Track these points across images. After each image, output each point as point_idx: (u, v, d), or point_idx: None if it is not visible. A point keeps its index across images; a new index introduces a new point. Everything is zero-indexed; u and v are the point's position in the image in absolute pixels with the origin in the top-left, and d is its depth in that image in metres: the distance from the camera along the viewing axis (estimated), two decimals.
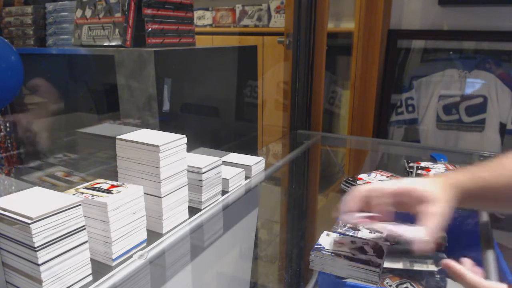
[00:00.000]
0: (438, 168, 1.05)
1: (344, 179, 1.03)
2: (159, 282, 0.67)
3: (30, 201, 0.51)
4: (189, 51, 1.10)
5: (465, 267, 0.53)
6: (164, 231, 0.67)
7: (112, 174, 0.69)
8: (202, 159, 0.76)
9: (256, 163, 0.93)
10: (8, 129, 1.09)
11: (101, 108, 1.16)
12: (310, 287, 0.95)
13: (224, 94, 1.24)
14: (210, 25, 2.64)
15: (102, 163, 0.75)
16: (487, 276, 0.61)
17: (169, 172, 0.66)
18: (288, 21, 1.54)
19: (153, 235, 0.66)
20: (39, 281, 0.48)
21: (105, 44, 1.04)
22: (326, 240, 0.74)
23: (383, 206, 0.63)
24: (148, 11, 1.02)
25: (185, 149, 0.69)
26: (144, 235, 0.64)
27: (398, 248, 0.89)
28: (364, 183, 0.99)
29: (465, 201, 0.65)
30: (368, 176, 1.04)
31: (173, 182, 0.67)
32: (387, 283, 0.83)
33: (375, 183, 0.69)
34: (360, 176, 1.04)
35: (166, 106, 0.96)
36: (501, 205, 0.69)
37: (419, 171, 1.02)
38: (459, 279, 0.52)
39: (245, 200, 0.87)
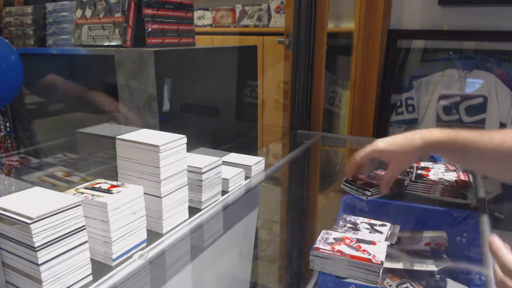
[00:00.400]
0: (438, 168, 1.05)
1: (344, 179, 1.03)
2: (159, 282, 0.67)
3: (30, 201, 0.51)
4: (189, 51, 1.10)
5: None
6: (164, 231, 0.67)
7: (112, 174, 0.69)
8: (202, 159, 0.76)
9: (256, 163, 0.93)
10: (8, 129, 1.09)
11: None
12: (310, 287, 0.94)
13: (224, 94, 1.24)
14: (210, 25, 2.64)
15: (102, 163, 0.75)
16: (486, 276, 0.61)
17: (169, 172, 0.66)
18: (288, 21, 1.54)
19: (153, 235, 0.66)
20: (39, 281, 0.48)
21: (105, 44, 1.04)
22: (325, 239, 0.74)
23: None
24: (148, 11, 1.02)
25: (185, 149, 0.69)
26: (144, 235, 0.64)
27: (398, 248, 0.90)
28: (364, 183, 0.99)
29: (438, 151, 0.85)
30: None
31: (173, 182, 0.67)
32: (387, 283, 0.83)
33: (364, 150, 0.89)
34: (360, 176, 1.04)
35: (166, 106, 0.96)
36: (484, 162, 0.79)
37: (419, 171, 1.02)
38: (494, 254, 0.54)
39: (245, 200, 0.87)
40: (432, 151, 0.84)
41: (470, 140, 0.75)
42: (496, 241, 0.54)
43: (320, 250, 0.70)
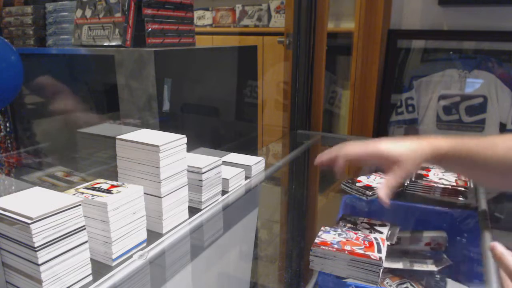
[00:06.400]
0: (438, 168, 1.05)
1: (345, 179, 1.03)
2: (159, 282, 0.67)
3: (30, 201, 0.51)
4: (189, 51, 1.10)
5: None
6: (164, 231, 0.67)
7: (112, 174, 0.69)
8: (202, 159, 0.76)
9: (256, 163, 0.93)
10: (8, 129, 1.09)
11: (101, 108, 1.16)
12: (310, 287, 0.94)
13: (224, 94, 1.24)
14: (210, 25, 2.64)
15: (102, 163, 0.75)
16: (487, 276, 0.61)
17: (169, 172, 0.66)
18: (288, 21, 1.54)
19: (153, 235, 0.66)
20: (39, 281, 0.48)
21: (105, 44, 1.04)
22: (325, 236, 0.74)
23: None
24: (148, 11, 1.02)
25: (185, 149, 0.69)
26: (144, 235, 0.64)
27: (398, 248, 0.89)
28: (363, 185, 0.99)
29: (443, 163, 0.74)
30: (368, 178, 1.04)
31: (173, 182, 0.67)
32: (387, 283, 0.83)
33: (348, 147, 0.79)
34: (359, 178, 1.04)
35: (166, 106, 0.96)
36: (487, 175, 0.73)
37: (419, 171, 1.02)
38: (499, 261, 0.53)
39: (245, 200, 0.87)
40: (437, 162, 0.73)
41: (473, 152, 0.69)
42: (499, 247, 0.53)
43: (320, 247, 0.70)
